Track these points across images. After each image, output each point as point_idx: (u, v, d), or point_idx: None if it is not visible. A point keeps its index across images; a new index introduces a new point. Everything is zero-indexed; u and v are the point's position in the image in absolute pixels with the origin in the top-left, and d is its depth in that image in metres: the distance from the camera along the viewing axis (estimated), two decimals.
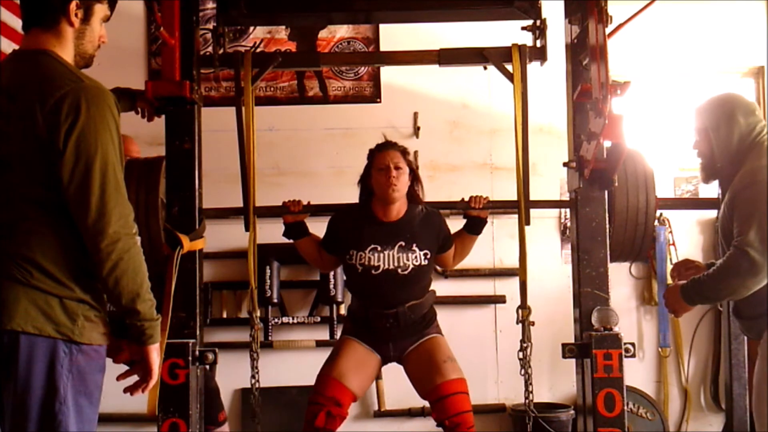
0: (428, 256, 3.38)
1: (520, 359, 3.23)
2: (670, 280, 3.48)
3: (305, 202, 3.39)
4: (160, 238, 3.06)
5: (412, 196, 3.42)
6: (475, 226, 3.48)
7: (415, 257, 3.34)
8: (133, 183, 3.03)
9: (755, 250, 2.65)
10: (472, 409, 3.28)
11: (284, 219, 3.41)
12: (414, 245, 3.34)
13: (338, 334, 4.11)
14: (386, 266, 3.32)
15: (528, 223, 3.27)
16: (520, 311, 3.26)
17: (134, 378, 2.21)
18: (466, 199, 3.42)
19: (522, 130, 3.26)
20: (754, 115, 2.89)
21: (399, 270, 3.32)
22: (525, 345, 3.22)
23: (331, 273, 4.56)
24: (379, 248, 3.33)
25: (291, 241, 3.46)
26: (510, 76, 3.29)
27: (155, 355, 2.16)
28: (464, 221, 3.50)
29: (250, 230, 3.28)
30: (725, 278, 2.75)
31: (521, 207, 3.27)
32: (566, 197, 3.88)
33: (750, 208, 2.71)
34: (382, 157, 3.33)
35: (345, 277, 3.67)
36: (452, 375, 3.28)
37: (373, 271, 3.32)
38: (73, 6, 2.14)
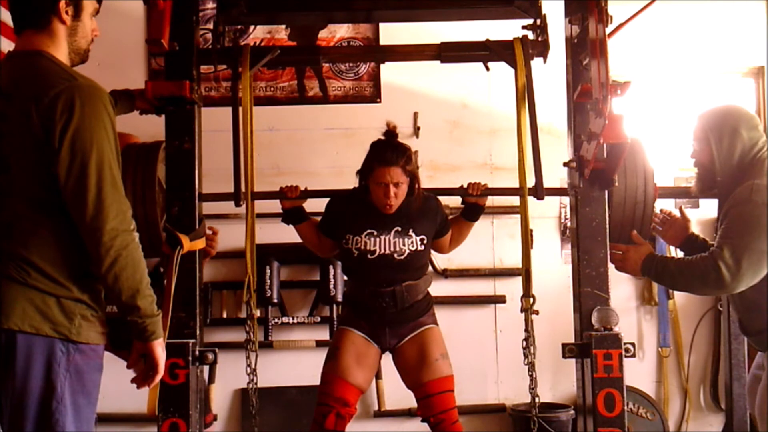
0: (425, 241, 3.37)
1: (523, 348, 3.12)
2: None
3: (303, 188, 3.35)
4: (156, 216, 3.00)
5: (411, 190, 3.35)
6: (472, 213, 3.48)
7: (411, 242, 3.33)
8: (131, 164, 2.99)
9: (727, 269, 2.67)
10: (456, 406, 3.31)
11: (282, 204, 3.40)
12: (410, 231, 3.34)
13: None
14: (382, 251, 3.31)
15: (540, 197, 3.12)
16: (523, 300, 3.14)
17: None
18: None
19: (529, 113, 3.15)
20: (756, 129, 2.87)
21: (395, 255, 3.32)
22: (528, 335, 3.10)
23: (331, 273, 4.57)
24: (375, 233, 3.33)
25: (291, 226, 3.44)
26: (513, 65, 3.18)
27: (160, 350, 2.17)
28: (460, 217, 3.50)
29: (247, 218, 3.17)
30: (689, 277, 2.78)
31: (523, 185, 3.14)
32: (566, 197, 3.85)
33: (737, 224, 2.71)
34: (381, 174, 3.26)
35: (341, 261, 3.61)
36: (441, 373, 3.31)
37: (369, 256, 3.32)
38: (62, 4, 2.15)
